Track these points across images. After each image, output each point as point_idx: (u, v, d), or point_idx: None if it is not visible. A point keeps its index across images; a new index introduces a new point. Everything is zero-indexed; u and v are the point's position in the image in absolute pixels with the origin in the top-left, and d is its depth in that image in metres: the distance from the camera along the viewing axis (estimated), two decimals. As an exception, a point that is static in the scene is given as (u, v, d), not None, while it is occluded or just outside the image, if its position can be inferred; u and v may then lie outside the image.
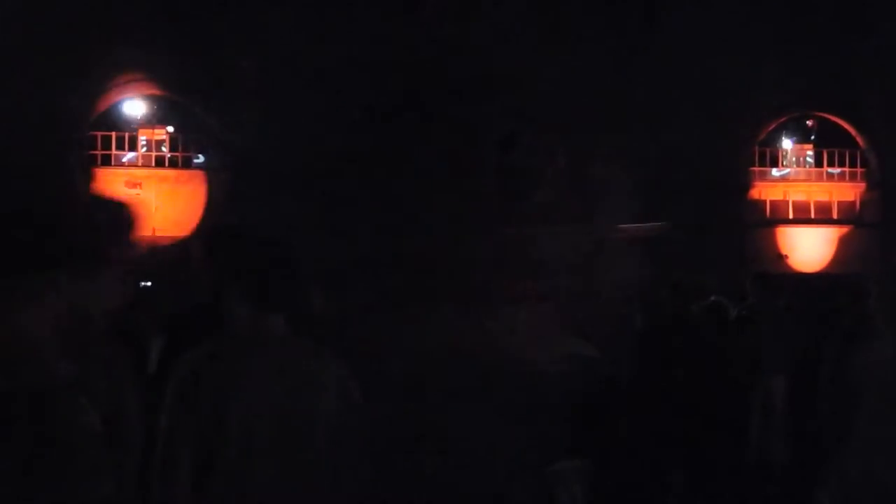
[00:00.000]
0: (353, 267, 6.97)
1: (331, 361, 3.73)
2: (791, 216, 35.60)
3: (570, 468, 6.40)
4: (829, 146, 35.76)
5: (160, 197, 32.21)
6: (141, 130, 32.95)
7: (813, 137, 35.86)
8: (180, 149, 33.11)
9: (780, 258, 33.04)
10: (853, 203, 36.01)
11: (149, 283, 16.06)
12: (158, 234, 29.95)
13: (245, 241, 3.84)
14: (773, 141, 35.66)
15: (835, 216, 35.94)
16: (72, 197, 3.69)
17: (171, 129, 32.89)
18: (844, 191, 36.04)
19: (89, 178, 31.49)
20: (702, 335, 8.78)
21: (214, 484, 3.51)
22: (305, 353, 3.72)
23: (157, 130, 33.00)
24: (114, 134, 32.67)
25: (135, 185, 32.37)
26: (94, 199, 4.03)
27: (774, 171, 35.88)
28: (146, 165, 33.00)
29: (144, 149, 33.09)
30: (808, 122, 35.49)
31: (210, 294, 5.36)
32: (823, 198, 36.03)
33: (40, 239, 2.78)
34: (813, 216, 35.79)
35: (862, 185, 35.69)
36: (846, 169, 35.96)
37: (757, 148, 35.03)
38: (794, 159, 36.33)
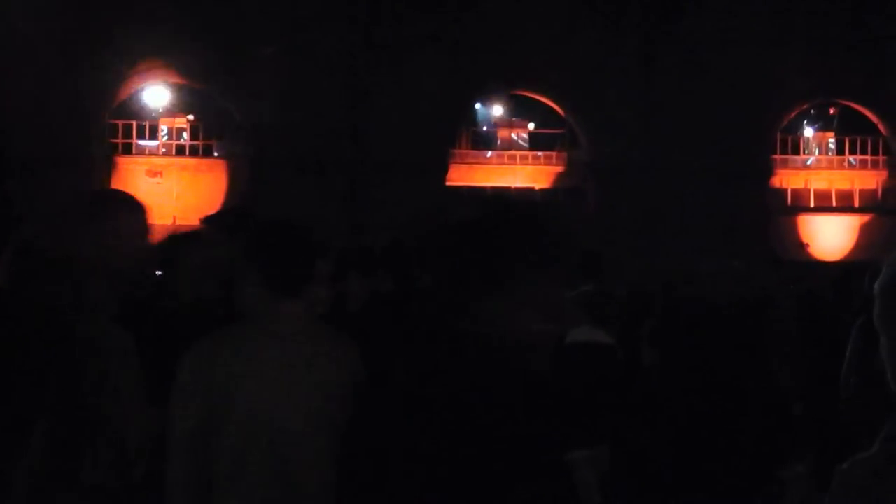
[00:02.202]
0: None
1: (347, 349, 3.71)
2: (812, 204, 35.47)
3: (586, 457, 6.40)
4: (851, 133, 35.60)
5: (181, 185, 32.30)
6: (162, 119, 33.01)
7: (835, 125, 35.68)
8: (201, 137, 33.16)
9: (802, 247, 32.92)
10: (875, 191, 35.86)
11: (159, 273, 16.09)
12: (179, 222, 30.05)
13: (263, 225, 3.82)
14: (794, 128, 35.51)
15: (856, 204, 35.79)
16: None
17: (191, 117, 32.94)
18: (866, 178, 35.89)
19: (110, 166, 31.62)
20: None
21: (222, 474, 3.50)
22: (325, 341, 3.69)
23: (177, 119, 33.06)
24: (134, 122, 32.74)
25: (156, 173, 32.48)
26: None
27: (796, 160, 35.75)
28: (167, 154, 33.07)
29: (165, 137, 33.15)
30: (829, 109, 35.30)
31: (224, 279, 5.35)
32: (845, 186, 35.88)
33: None
34: (834, 204, 35.65)
35: (884, 173, 35.53)
36: (868, 157, 35.79)
37: (779, 135, 34.89)
38: (815, 147, 36.17)
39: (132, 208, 4.37)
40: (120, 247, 4.39)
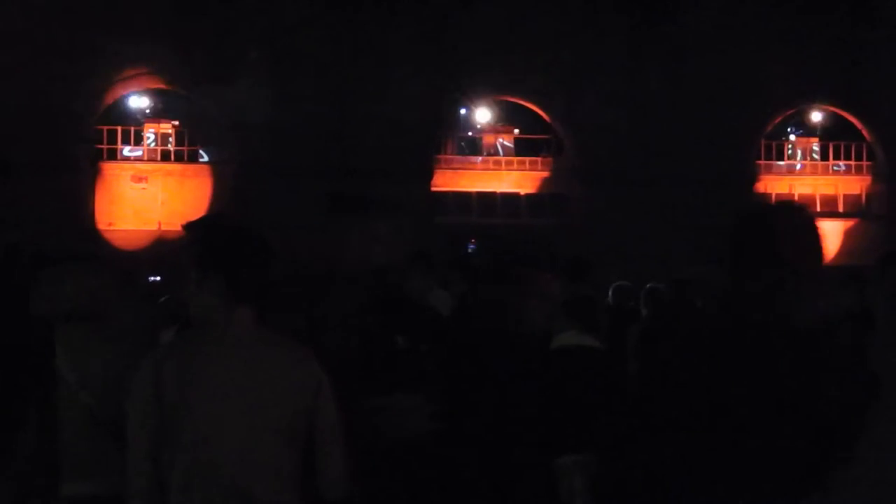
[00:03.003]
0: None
1: (305, 358, 3.70)
2: (797, 209, 35.54)
3: (573, 462, 6.40)
4: (836, 139, 35.73)
5: (166, 191, 32.25)
6: (147, 124, 32.95)
7: (819, 130, 35.81)
8: (186, 143, 33.11)
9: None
10: (859, 196, 36.00)
11: (157, 278, 16.09)
12: (164, 228, 30.01)
13: (217, 232, 3.80)
14: (779, 134, 35.63)
15: (841, 209, 35.92)
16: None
17: (177, 122, 32.89)
18: (851, 184, 36.03)
19: (96, 172, 31.56)
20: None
21: (177, 485, 3.50)
22: (279, 349, 3.68)
23: (163, 124, 33.01)
24: (120, 128, 32.69)
25: (141, 179, 32.42)
26: None
27: (781, 166, 35.87)
28: (152, 159, 33.00)
29: (151, 143, 33.10)
30: (813, 114, 35.41)
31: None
32: (829, 191, 36.02)
33: None
34: (819, 209, 35.77)
35: (868, 178, 35.68)
36: (852, 162, 35.93)
37: (763, 141, 35.01)
38: (800, 152, 36.30)
39: (95, 272, 4.73)
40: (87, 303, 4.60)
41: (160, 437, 3.51)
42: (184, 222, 5.58)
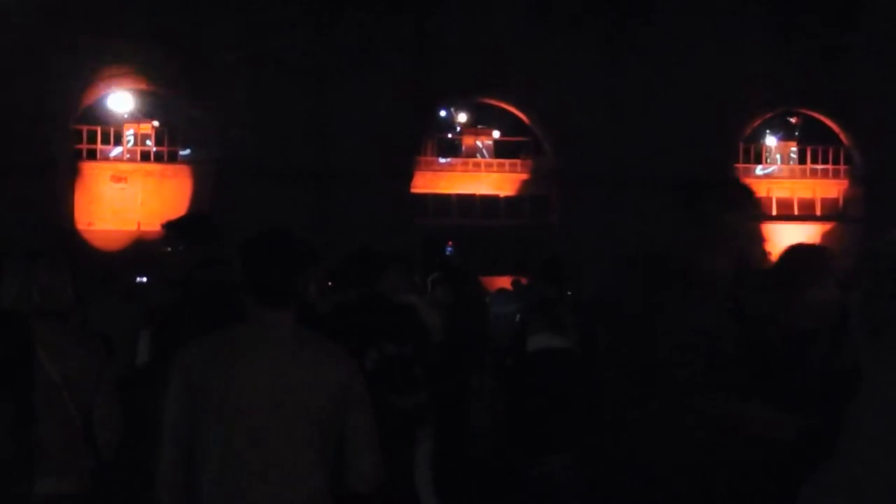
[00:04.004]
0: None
1: (339, 355, 3.79)
2: (774, 213, 35.75)
3: (558, 461, 6.49)
4: (813, 143, 35.91)
5: (145, 191, 32.19)
6: (127, 124, 32.88)
7: (797, 134, 36.00)
8: (166, 143, 33.06)
9: (764, 254, 33.13)
10: (836, 200, 36.21)
11: (144, 279, 16.08)
12: (144, 228, 29.97)
13: (250, 236, 3.90)
14: (757, 138, 35.80)
15: (818, 213, 36.12)
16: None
17: (156, 123, 32.84)
18: (828, 187, 36.22)
19: (75, 172, 31.48)
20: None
21: (210, 474, 3.60)
22: (312, 346, 3.77)
23: (142, 124, 32.95)
24: (99, 128, 32.62)
25: (120, 179, 32.35)
26: None
27: (759, 170, 36.03)
28: (132, 160, 32.94)
29: (130, 143, 33.03)
30: (791, 118, 35.60)
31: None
32: (807, 195, 36.21)
33: None
34: (796, 213, 35.96)
35: (845, 182, 35.87)
36: (830, 166, 36.12)
37: (741, 144, 35.17)
38: (778, 156, 36.47)
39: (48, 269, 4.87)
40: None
41: (188, 426, 3.62)
42: (164, 221, 5.65)
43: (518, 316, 8.53)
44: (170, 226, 5.65)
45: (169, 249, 5.56)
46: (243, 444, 3.59)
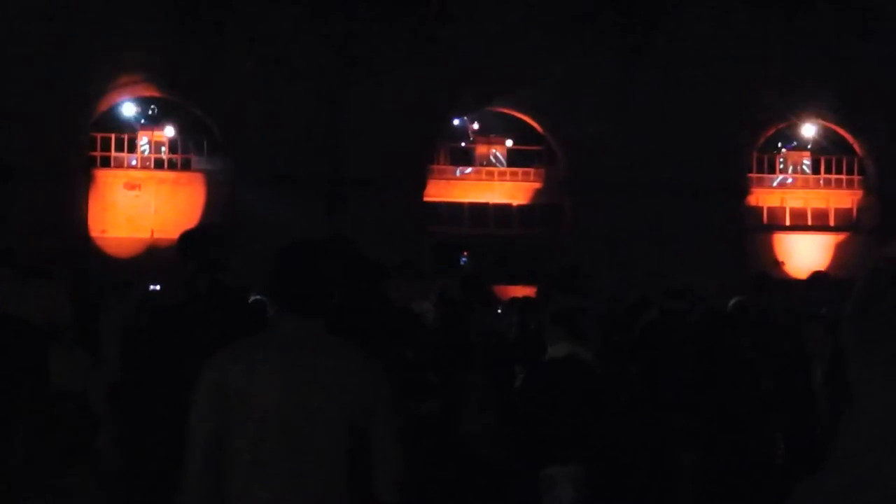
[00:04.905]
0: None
1: (366, 361, 3.83)
2: (788, 223, 35.67)
3: (562, 473, 6.46)
4: (827, 153, 35.83)
5: (159, 199, 32.25)
6: (141, 132, 32.93)
7: (810, 144, 35.90)
8: (180, 151, 33.10)
9: (777, 264, 33.10)
10: (850, 210, 36.11)
11: (157, 287, 16.09)
12: (157, 235, 30.03)
13: (281, 247, 3.96)
14: (770, 147, 35.72)
15: (832, 223, 36.02)
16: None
17: (170, 130, 32.87)
18: (842, 197, 36.13)
19: (89, 179, 31.57)
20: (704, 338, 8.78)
21: (238, 479, 3.66)
22: (339, 352, 3.82)
23: (156, 132, 33.00)
24: (114, 135, 32.67)
25: (134, 186, 32.40)
26: None
27: (772, 180, 35.96)
28: (146, 167, 33.00)
29: (144, 150, 33.08)
30: (804, 128, 35.48)
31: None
32: (820, 204, 36.11)
33: None
34: (810, 223, 35.86)
35: (859, 192, 35.77)
36: (843, 176, 36.03)
37: (755, 154, 35.09)
38: (791, 166, 36.38)
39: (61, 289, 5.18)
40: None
41: (219, 432, 3.70)
42: (180, 231, 5.77)
43: (533, 325, 8.52)
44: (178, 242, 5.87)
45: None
46: (272, 449, 3.65)
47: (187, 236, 6.08)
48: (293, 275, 3.78)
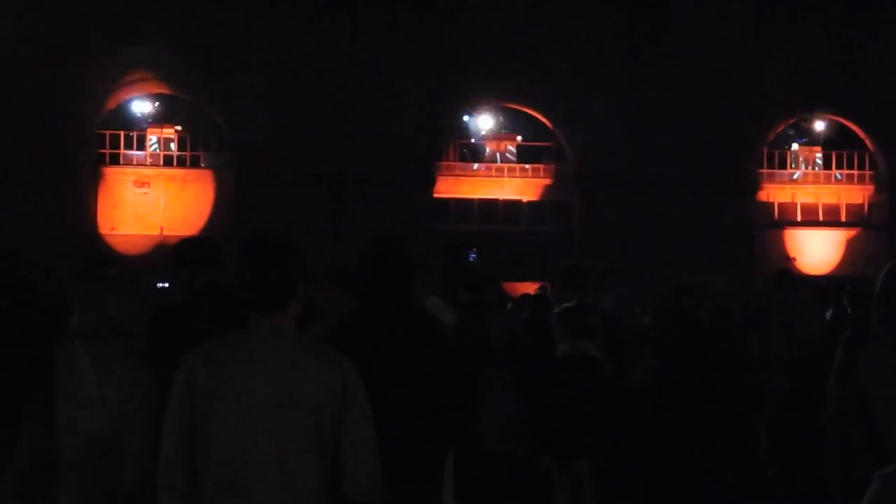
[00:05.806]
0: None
1: (335, 358, 3.79)
2: (799, 219, 35.57)
3: (572, 470, 6.43)
4: (838, 148, 35.70)
5: (168, 196, 32.26)
6: (150, 129, 32.93)
7: (821, 139, 35.78)
8: (188, 148, 33.10)
9: (789, 260, 33.01)
10: (862, 206, 35.98)
11: (166, 284, 16.09)
12: (166, 233, 30.04)
13: (243, 242, 3.91)
14: (781, 143, 35.60)
15: (843, 219, 35.90)
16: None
17: (179, 128, 32.87)
18: (853, 193, 36.00)
19: (98, 176, 31.60)
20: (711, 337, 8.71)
21: (210, 475, 3.62)
22: (308, 349, 3.78)
23: (165, 129, 32.99)
24: (122, 133, 32.68)
25: (143, 184, 32.41)
26: None
27: (783, 175, 35.84)
28: (154, 164, 32.98)
29: (153, 147, 33.07)
30: (816, 123, 35.37)
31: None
32: (832, 200, 35.99)
33: None
34: (821, 219, 35.75)
35: (871, 188, 35.65)
36: (855, 172, 35.91)
37: (766, 149, 34.99)
38: (802, 161, 36.26)
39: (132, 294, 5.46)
40: None
41: (193, 432, 3.68)
42: (189, 227, 5.84)
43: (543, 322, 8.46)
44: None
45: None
46: (243, 445, 3.62)
47: (180, 248, 6.18)
48: (252, 272, 3.75)
